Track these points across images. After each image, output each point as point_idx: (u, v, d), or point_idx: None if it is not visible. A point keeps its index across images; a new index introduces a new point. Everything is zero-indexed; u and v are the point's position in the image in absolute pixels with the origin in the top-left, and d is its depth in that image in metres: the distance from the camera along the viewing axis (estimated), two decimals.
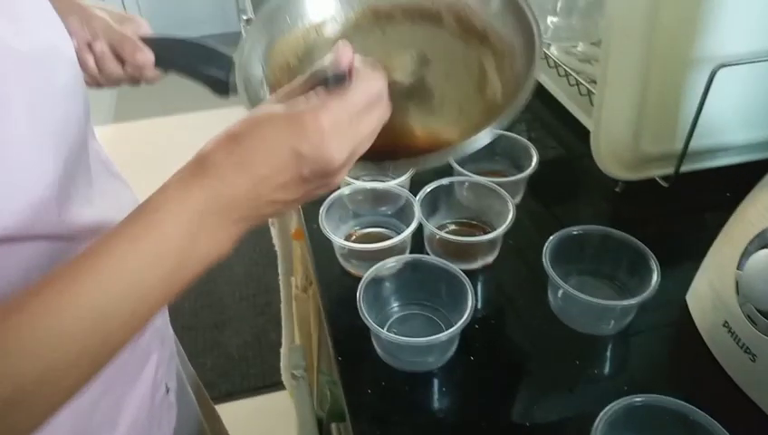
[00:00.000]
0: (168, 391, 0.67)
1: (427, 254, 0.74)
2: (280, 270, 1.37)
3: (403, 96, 0.61)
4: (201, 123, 2.83)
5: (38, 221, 0.44)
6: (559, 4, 1.05)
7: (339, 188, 0.78)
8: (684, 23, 0.71)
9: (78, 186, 0.51)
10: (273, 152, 0.41)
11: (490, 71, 0.63)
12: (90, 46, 0.62)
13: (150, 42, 0.64)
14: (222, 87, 0.64)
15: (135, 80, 0.65)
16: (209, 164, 0.41)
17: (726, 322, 0.59)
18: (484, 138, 0.54)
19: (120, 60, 0.63)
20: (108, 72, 0.64)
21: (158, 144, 2.84)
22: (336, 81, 0.44)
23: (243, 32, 1.79)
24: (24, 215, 0.42)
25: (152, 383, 0.62)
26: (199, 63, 0.64)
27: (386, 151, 0.52)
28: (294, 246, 1.18)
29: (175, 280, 0.41)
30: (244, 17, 1.70)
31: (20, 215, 0.42)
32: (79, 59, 0.61)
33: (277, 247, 1.35)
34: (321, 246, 0.77)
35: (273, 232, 1.33)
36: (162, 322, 0.70)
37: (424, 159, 0.54)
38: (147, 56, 0.63)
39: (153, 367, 0.63)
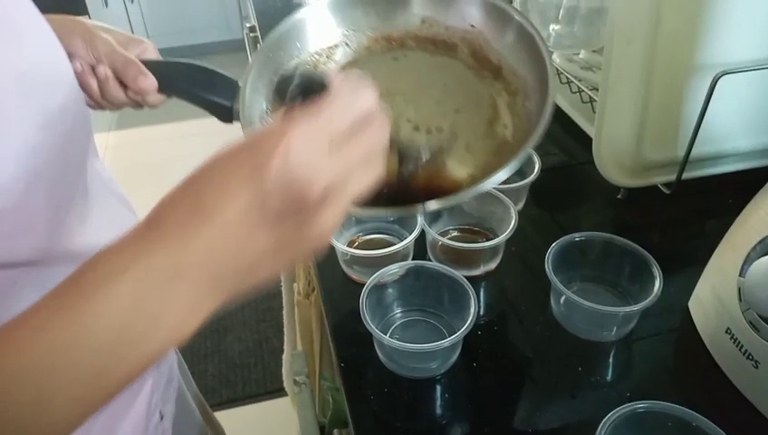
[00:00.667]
0: (162, 417, 0.66)
1: (430, 260, 0.74)
2: (282, 276, 1.37)
3: (409, 132, 0.60)
4: (203, 130, 2.84)
5: (23, 246, 0.42)
6: (561, 12, 1.05)
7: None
8: (686, 30, 0.72)
9: (72, 209, 0.50)
10: (229, 190, 0.33)
11: (502, 107, 0.61)
12: (93, 69, 0.61)
13: (154, 66, 0.63)
14: (226, 113, 0.62)
15: (137, 104, 0.65)
16: (161, 219, 0.34)
17: (729, 328, 0.59)
18: (491, 183, 0.50)
19: (123, 84, 0.62)
20: (110, 96, 0.63)
21: (160, 151, 2.85)
22: (312, 90, 0.37)
23: (246, 39, 1.80)
24: (10, 239, 0.40)
25: (146, 410, 0.61)
26: (203, 89, 0.63)
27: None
28: None
29: (124, 358, 0.34)
30: (248, 25, 1.71)
31: (5, 240, 0.40)
32: (82, 82, 0.61)
33: None
34: (323, 253, 0.77)
35: None
36: None
37: (424, 206, 0.51)
38: (149, 82, 0.61)
39: (147, 394, 0.62)
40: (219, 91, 0.62)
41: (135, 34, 0.66)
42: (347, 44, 0.67)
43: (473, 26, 0.65)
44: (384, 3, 0.67)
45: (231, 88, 0.62)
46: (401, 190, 0.53)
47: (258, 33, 1.50)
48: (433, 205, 0.51)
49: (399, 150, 0.51)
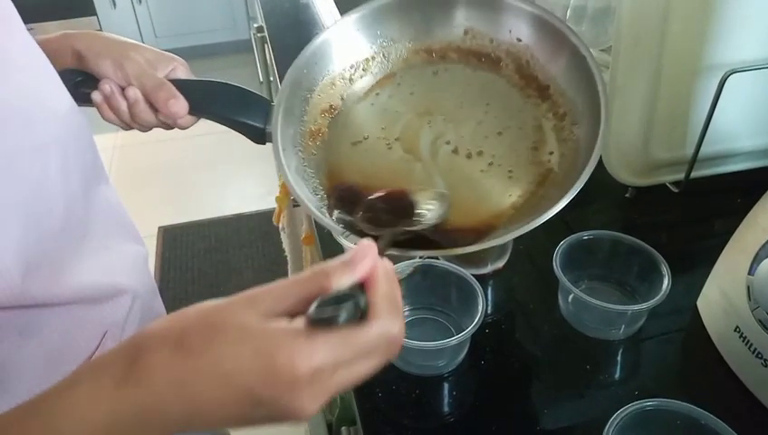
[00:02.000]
0: None
1: (438, 258, 0.74)
2: (290, 275, 1.37)
3: (448, 155, 0.56)
4: (211, 130, 2.85)
5: None
6: (568, 12, 1.05)
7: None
8: (694, 29, 0.71)
9: (59, 251, 0.49)
10: (226, 388, 0.32)
11: (548, 132, 0.57)
12: (123, 91, 0.60)
13: (185, 86, 0.61)
14: (259, 134, 0.60)
15: (168, 126, 0.63)
16: (141, 369, 0.33)
17: (738, 327, 0.59)
18: (538, 222, 0.47)
19: (154, 107, 0.60)
20: (140, 120, 0.61)
21: (167, 151, 2.86)
22: (346, 318, 0.34)
23: (253, 40, 1.81)
24: None
25: None
26: (236, 111, 0.60)
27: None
28: (305, 251, 1.18)
29: None
30: (255, 25, 1.72)
31: None
32: (111, 105, 0.60)
33: (287, 253, 1.36)
34: (331, 251, 0.77)
35: (283, 237, 1.34)
36: None
37: (469, 247, 0.48)
38: (181, 105, 0.59)
39: None
40: (252, 113, 0.60)
41: (146, 37, 0.65)
42: (384, 56, 0.64)
43: (519, 40, 0.61)
44: (423, 14, 0.63)
45: (263, 108, 0.60)
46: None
47: (266, 34, 1.50)
48: (471, 248, 0.48)
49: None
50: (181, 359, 0.32)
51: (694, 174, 0.78)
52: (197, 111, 0.61)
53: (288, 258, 1.36)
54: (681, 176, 0.79)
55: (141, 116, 0.61)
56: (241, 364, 0.32)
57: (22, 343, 0.48)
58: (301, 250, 1.24)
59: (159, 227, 2.38)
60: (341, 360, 0.33)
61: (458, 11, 0.63)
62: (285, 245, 1.35)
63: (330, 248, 0.77)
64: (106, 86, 0.59)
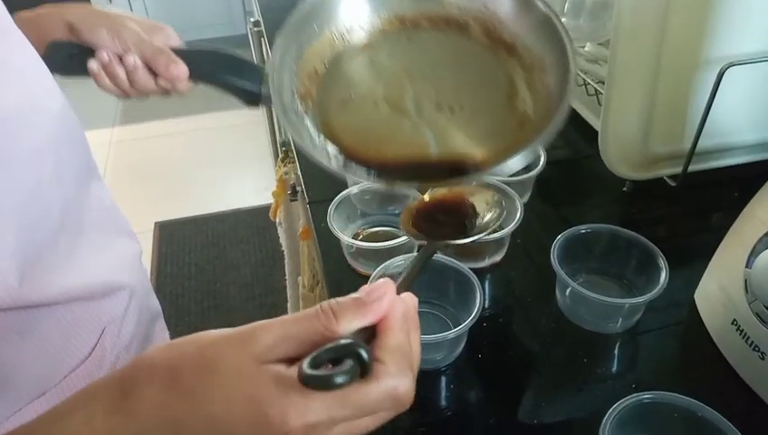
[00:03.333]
0: None
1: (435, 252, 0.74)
2: (287, 270, 1.37)
3: (432, 110, 0.60)
4: (206, 126, 2.85)
5: None
6: (566, 5, 1.05)
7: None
8: (693, 22, 0.71)
9: (53, 251, 0.49)
10: (216, 433, 0.32)
11: (519, 83, 0.61)
12: (121, 59, 0.61)
13: (182, 53, 0.63)
14: (254, 98, 0.64)
15: (166, 92, 0.64)
16: (132, 403, 0.32)
17: (735, 320, 0.59)
18: (522, 159, 0.51)
19: (153, 72, 0.62)
20: (140, 85, 0.62)
21: (163, 147, 2.85)
22: (347, 379, 0.31)
23: (249, 35, 1.80)
24: None
25: None
26: (231, 75, 0.63)
27: (409, 168, 0.50)
28: (302, 246, 1.18)
29: None
30: (252, 19, 1.71)
31: None
32: (109, 73, 0.60)
33: (284, 247, 1.36)
34: (328, 246, 0.77)
35: (281, 232, 1.34)
36: None
37: (459, 180, 0.52)
38: (181, 69, 0.61)
39: None
40: (247, 77, 0.63)
41: (141, 17, 0.65)
42: (360, 26, 0.67)
43: (486, 7, 0.65)
44: None
45: (258, 73, 0.63)
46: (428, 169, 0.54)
47: (262, 28, 1.50)
48: (477, 177, 0.51)
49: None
50: (174, 398, 0.32)
51: (691, 168, 0.78)
52: (195, 76, 0.63)
53: (285, 253, 1.36)
54: (679, 170, 0.79)
55: (141, 82, 0.62)
56: (232, 411, 0.31)
57: (21, 344, 0.48)
58: (298, 245, 1.24)
59: (156, 223, 2.38)
60: (338, 417, 0.31)
61: None
62: (282, 240, 1.35)
63: (327, 243, 0.77)
64: (104, 54, 0.60)
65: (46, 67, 0.51)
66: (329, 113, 0.63)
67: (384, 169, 0.56)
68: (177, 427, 0.32)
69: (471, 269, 0.65)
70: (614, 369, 0.64)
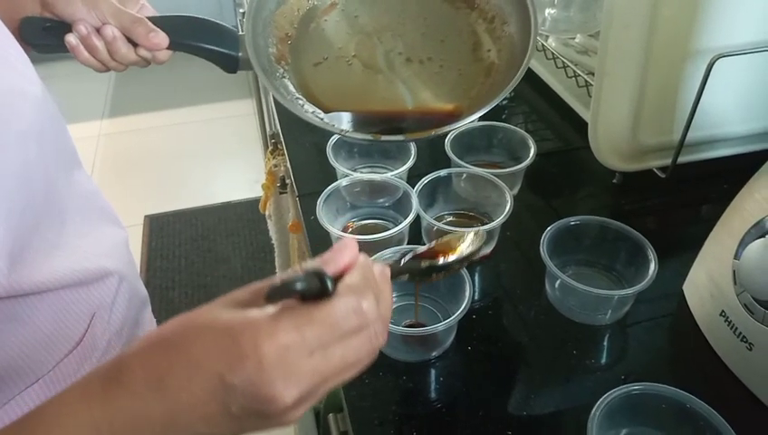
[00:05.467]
0: None
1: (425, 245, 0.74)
2: (277, 263, 1.37)
3: (403, 65, 0.63)
4: (194, 119, 2.83)
5: None
6: None
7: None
8: (683, 14, 0.71)
9: (40, 239, 0.48)
10: (198, 376, 0.32)
11: (482, 33, 0.65)
12: (99, 31, 0.60)
13: (159, 21, 0.63)
14: (232, 62, 0.64)
15: (146, 62, 0.64)
16: (125, 372, 0.33)
17: (723, 311, 0.59)
18: (496, 101, 0.55)
19: (133, 43, 0.62)
20: (120, 56, 0.62)
21: (151, 140, 2.83)
22: (310, 290, 0.33)
23: (239, 27, 1.79)
24: None
25: None
26: (209, 41, 0.64)
27: (386, 119, 0.52)
28: (291, 239, 1.18)
29: None
30: (241, 11, 1.70)
31: None
32: (88, 46, 0.60)
33: (274, 240, 1.35)
34: (318, 238, 0.76)
35: (270, 225, 1.33)
36: None
37: (436, 131, 0.56)
38: (161, 37, 0.61)
39: None
40: (225, 42, 0.63)
41: None
42: None
43: None
44: None
45: (234, 37, 0.64)
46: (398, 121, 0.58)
47: None
48: (446, 128, 0.55)
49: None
50: (158, 355, 0.33)
51: (681, 159, 0.78)
52: (174, 43, 0.63)
53: (275, 246, 1.35)
54: (668, 161, 0.79)
55: (120, 53, 0.62)
56: (208, 350, 0.32)
57: (12, 331, 0.48)
58: (288, 238, 1.23)
59: (146, 216, 2.36)
60: (309, 338, 0.33)
61: None
62: (272, 233, 1.34)
63: (317, 236, 0.76)
64: (81, 27, 0.59)
65: (25, 54, 0.50)
66: (305, 75, 0.65)
67: (366, 123, 0.60)
68: (163, 383, 0.32)
69: None
70: (603, 360, 0.64)
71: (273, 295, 0.33)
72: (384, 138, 0.58)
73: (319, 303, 0.34)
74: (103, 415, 0.33)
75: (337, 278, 0.35)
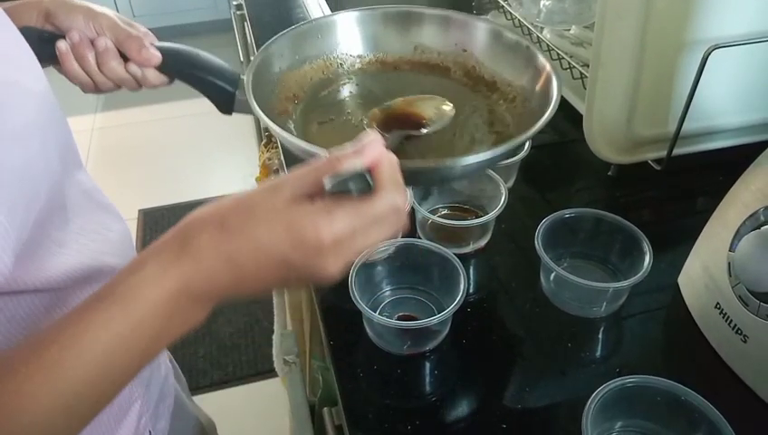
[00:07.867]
0: None
1: (420, 238, 0.73)
2: None
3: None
4: (189, 113, 2.81)
5: None
6: None
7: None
8: (678, 4, 0.71)
9: (45, 236, 0.48)
10: (264, 257, 0.39)
11: (501, 112, 0.65)
12: (92, 43, 0.60)
13: (158, 46, 0.62)
14: (228, 99, 0.63)
15: (136, 82, 0.63)
16: (193, 248, 0.39)
17: (718, 303, 0.59)
18: (512, 145, 0.55)
19: (124, 59, 0.61)
20: (108, 69, 0.61)
21: (146, 134, 2.82)
22: (357, 189, 0.41)
23: (233, 19, 1.77)
24: None
25: (134, 433, 0.59)
26: (207, 72, 0.62)
27: None
28: None
29: (146, 357, 0.41)
30: (235, 3, 1.69)
31: None
32: (77, 54, 0.59)
33: None
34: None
35: None
36: (147, 368, 0.64)
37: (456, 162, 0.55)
38: (152, 54, 0.60)
39: (135, 417, 0.59)
40: (223, 77, 0.62)
41: (122, 15, 0.64)
42: (340, 64, 0.71)
43: (465, 50, 0.70)
44: (375, 31, 0.71)
45: (233, 76, 0.63)
46: None
47: (245, 12, 1.47)
48: (470, 159, 0.54)
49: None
50: (226, 237, 0.39)
51: (676, 151, 0.78)
52: (169, 68, 0.62)
53: None
54: (663, 153, 0.79)
55: (109, 65, 0.61)
56: (275, 238, 0.39)
57: (12, 330, 0.47)
58: None
59: (140, 210, 2.35)
60: (357, 227, 0.40)
61: (408, 30, 0.71)
62: None
63: None
64: (74, 33, 0.59)
65: (31, 51, 0.50)
66: (307, 131, 0.66)
67: None
68: (234, 260, 0.39)
69: (455, 254, 0.64)
70: (598, 353, 0.64)
71: (332, 191, 0.40)
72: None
73: (364, 198, 0.40)
74: (181, 278, 0.39)
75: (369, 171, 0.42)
